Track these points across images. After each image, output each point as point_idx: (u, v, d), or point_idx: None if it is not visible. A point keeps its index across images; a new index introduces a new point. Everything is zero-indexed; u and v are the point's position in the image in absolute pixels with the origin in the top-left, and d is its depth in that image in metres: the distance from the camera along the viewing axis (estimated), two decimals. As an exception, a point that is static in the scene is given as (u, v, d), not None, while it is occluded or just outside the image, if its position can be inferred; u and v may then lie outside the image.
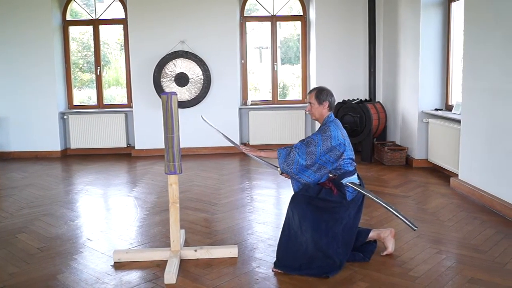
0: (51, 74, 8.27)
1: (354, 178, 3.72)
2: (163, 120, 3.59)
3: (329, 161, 3.63)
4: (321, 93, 3.81)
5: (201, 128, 8.13)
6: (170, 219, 3.76)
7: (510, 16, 4.67)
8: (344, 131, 3.78)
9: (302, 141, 3.72)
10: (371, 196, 3.62)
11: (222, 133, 4.23)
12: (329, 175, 3.71)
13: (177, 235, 3.77)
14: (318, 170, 3.63)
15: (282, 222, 4.68)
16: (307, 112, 3.90)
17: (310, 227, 3.56)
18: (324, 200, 3.62)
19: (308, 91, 3.86)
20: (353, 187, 3.65)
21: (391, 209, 3.58)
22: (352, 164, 3.73)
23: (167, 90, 8.10)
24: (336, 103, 7.63)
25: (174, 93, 3.59)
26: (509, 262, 3.64)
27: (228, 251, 3.86)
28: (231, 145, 4.14)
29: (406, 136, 7.28)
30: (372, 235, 3.88)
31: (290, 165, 3.64)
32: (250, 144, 8.40)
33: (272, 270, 3.63)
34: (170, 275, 3.43)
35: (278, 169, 3.73)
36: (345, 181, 3.67)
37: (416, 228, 3.54)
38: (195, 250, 3.84)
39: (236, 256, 3.84)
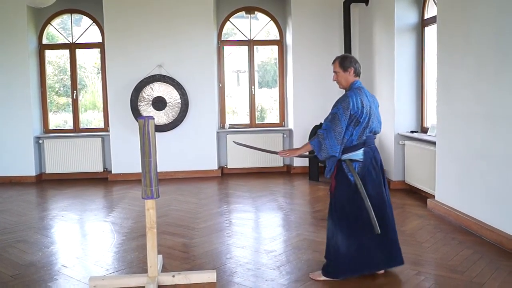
0: (27, 97, 8.17)
1: (357, 154, 3.68)
2: (140, 144, 3.57)
3: (349, 130, 3.63)
4: (345, 60, 3.77)
5: (179, 152, 8.16)
6: (148, 245, 3.70)
7: (480, 41, 4.79)
8: (367, 98, 3.70)
9: (326, 119, 3.71)
10: (357, 182, 3.62)
11: (258, 148, 4.34)
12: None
13: (154, 260, 3.72)
14: None
15: (261, 246, 4.66)
16: (334, 81, 3.89)
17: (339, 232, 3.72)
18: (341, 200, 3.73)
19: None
20: (348, 166, 3.67)
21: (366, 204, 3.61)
22: (360, 138, 3.66)
23: (144, 114, 8.06)
24: (313, 126, 7.80)
25: (151, 117, 3.58)
26: (486, 283, 3.67)
27: (206, 276, 3.82)
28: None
29: (383, 158, 7.28)
30: None
31: (325, 151, 3.65)
32: (228, 167, 8.40)
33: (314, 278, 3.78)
34: (148, 301, 3.38)
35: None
36: (345, 157, 3.67)
37: (379, 232, 3.61)
38: (173, 276, 3.78)
39: (215, 281, 3.80)
